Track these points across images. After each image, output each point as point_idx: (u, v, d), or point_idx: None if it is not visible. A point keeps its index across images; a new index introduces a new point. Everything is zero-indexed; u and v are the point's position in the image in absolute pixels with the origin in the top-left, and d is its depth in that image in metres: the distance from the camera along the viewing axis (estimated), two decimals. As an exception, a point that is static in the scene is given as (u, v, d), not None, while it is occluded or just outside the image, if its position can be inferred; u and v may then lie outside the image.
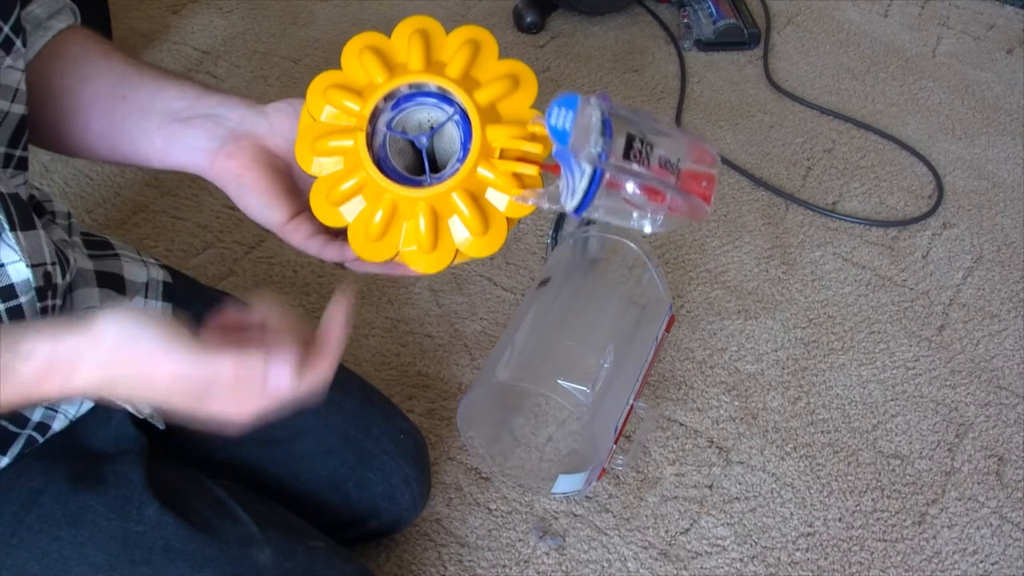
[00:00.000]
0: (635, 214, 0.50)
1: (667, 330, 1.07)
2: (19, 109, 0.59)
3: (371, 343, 1.15)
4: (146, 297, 0.77)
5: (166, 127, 0.60)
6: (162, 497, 0.68)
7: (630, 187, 0.49)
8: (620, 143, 0.48)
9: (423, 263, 0.54)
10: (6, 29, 0.55)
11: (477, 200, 0.53)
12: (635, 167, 0.48)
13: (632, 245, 1.05)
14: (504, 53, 0.54)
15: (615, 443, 0.97)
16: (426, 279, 1.23)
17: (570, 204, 0.50)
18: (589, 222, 1.14)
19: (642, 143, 0.49)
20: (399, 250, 0.54)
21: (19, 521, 0.65)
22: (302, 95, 0.57)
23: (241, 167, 0.57)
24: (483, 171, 0.52)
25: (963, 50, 1.73)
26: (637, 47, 1.68)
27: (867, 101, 1.60)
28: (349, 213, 0.55)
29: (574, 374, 0.91)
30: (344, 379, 0.86)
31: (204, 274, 1.19)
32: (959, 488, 1.07)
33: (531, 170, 0.53)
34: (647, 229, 0.51)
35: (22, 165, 0.61)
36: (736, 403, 1.13)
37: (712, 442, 1.09)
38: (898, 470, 1.08)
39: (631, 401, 0.99)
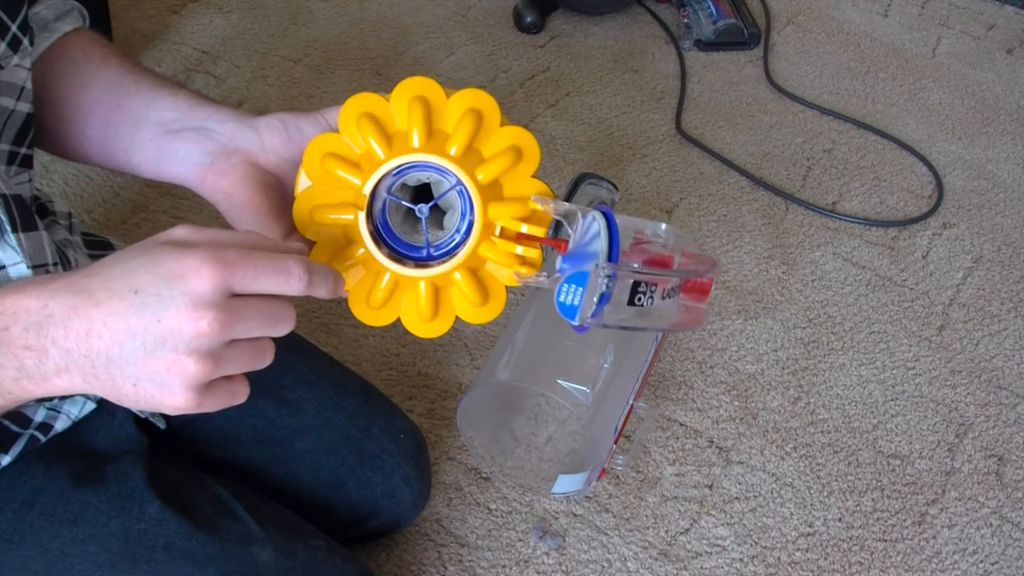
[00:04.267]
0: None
1: (667, 330, 1.07)
2: (24, 107, 0.59)
3: (371, 343, 1.15)
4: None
5: (158, 139, 0.60)
6: (163, 495, 0.68)
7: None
8: (624, 295, 0.49)
9: (423, 330, 0.56)
10: (13, 28, 0.55)
11: (476, 273, 0.54)
12: (643, 306, 0.50)
13: (632, 245, 1.05)
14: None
15: (615, 443, 0.97)
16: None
17: (576, 322, 0.51)
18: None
19: (647, 286, 0.50)
20: (398, 316, 0.56)
21: (21, 519, 0.65)
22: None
23: (232, 185, 0.56)
24: (487, 253, 0.54)
25: (963, 50, 1.73)
26: (637, 47, 1.68)
27: (867, 101, 1.60)
28: (350, 278, 0.56)
29: (574, 374, 0.91)
30: (344, 378, 0.86)
31: (204, 274, 1.19)
32: (959, 488, 1.07)
33: (534, 253, 0.54)
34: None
35: (27, 163, 0.61)
36: (736, 403, 1.13)
37: (712, 442, 1.09)
38: (898, 470, 1.08)
39: (631, 401, 0.99)
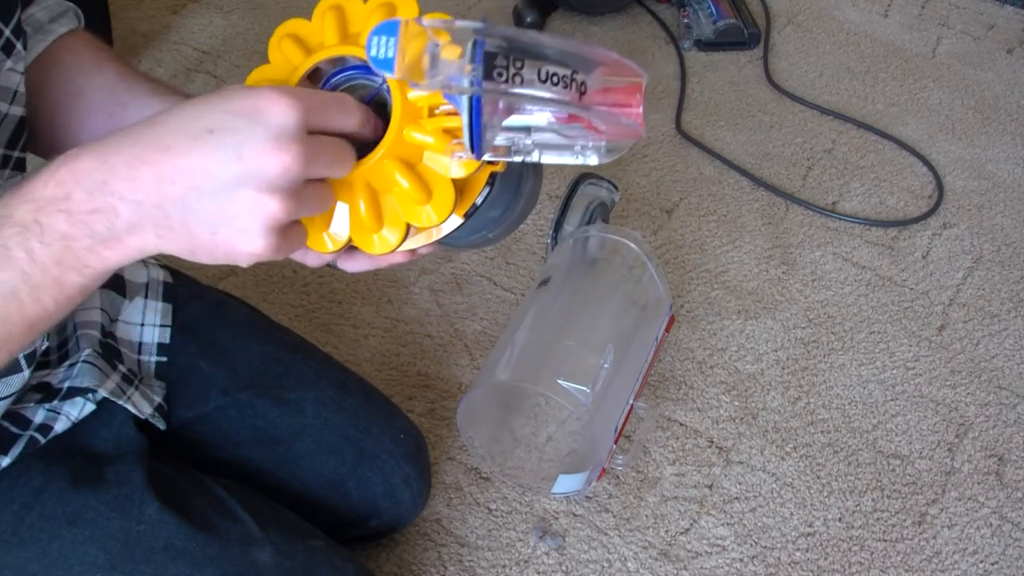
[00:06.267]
0: (576, 146, 0.47)
1: (667, 330, 1.07)
2: (18, 111, 0.59)
3: (371, 343, 1.15)
4: (146, 297, 0.77)
5: None
6: (163, 496, 0.68)
7: (541, 117, 0.45)
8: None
9: (377, 244, 0.52)
10: (7, 32, 0.55)
11: (414, 167, 0.51)
12: (514, 88, 0.44)
13: (632, 245, 1.05)
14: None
15: (615, 443, 0.97)
16: (426, 279, 1.23)
17: (466, 143, 0.47)
18: (590, 220, 1.14)
19: (508, 59, 0.44)
20: (350, 235, 0.52)
21: (20, 520, 0.65)
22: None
23: None
24: (414, 135, 0.50)
25: (963, 50, 1.73)
26: (637, 47, 1.68)
27: (867, 101, 1.60)
28: None
29: (574, 374, 0.91)
30: (344, 378, 0.86)
31: (204, 274, 1.19)
32: (959, 488, 1.07)
33: (459, 121, 0.49)
34: (593, 160, 0.47)
35: (20, 166, 0.61)
36: (736, 403, 1.13)
37: (712, 442, 1.09)
38: (898, 470, 1.08)
39: (631, 401, 0.99)
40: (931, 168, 1.47)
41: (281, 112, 0.41)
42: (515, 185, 0.57)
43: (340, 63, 0.53)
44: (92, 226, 0.42)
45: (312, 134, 0.43)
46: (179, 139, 0.41)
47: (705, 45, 1.67)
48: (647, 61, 1.64)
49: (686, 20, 1.70)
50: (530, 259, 1.28)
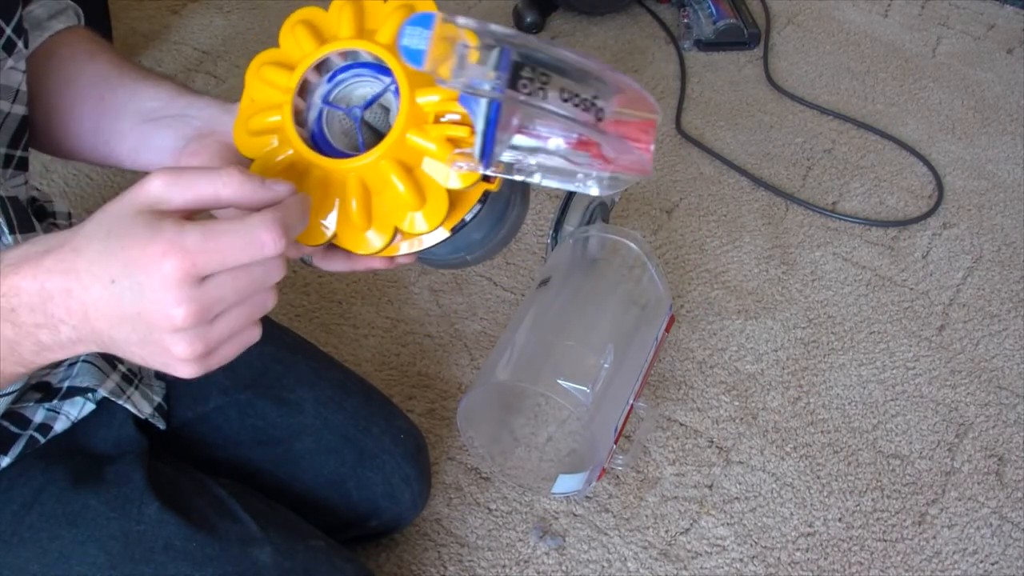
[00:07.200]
0: (579, 173, 0.47)
1: (667, 330, 1.07)
2: (20, 110, 0.59)
3: (371, 343, 1.15)
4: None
5: (137, 128, 0.60)
6: (163, 496, 0.68)
7: (553, 140, 0.45)
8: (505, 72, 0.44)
9: (361, 243, 0.51)
10: (8, 31, 0.55)
11: (411, 172, 0.50)
12: (536, 101, 0.44)
13: (632, 245, 1.05)
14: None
15: (615, 443, 0.97)
16: (426, 279, 1.23)
17: (477, 151, 0.46)
18: (590, 220, 1.14)
19: (534, 71, 0.44)
20: (334, 231, 0.51)
21: (20, 520, 0.65)
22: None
23: (204, 163, 0.55)
24: (417, 139, 0.49)
25: (963, 50, 1.73)
26: (637, 47, 1.68)
27: (867, 101, 1.60)
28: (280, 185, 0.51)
29: (574, 374, 0.91)
30: (344, 378, 0.86)
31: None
32: (959, 488, 1.07)
33: (465, 132, 0.49)
34: (594, 190, 0.47)
35: (23, 165, 0.61)
36: (736, 403, 1.13)
37: (712, 442, 1.09)
38: (898, 470, 1.08)
39: (631, 401, 0.99)
40: (931, 168, 1.47)
41: (163, 276, 0.40)
42: (501, 211, 0.56)
43: (352, 56, 0.52)
44: (37, 337, 0.44)
45: (217, 274, 0.42)
46: (93, 281, 0.42)
47: (705, 45, 1.67)
48: (647, 61, 1.65)
49: (686, 20, 1.70)
50: (530, 259, 1.28)
